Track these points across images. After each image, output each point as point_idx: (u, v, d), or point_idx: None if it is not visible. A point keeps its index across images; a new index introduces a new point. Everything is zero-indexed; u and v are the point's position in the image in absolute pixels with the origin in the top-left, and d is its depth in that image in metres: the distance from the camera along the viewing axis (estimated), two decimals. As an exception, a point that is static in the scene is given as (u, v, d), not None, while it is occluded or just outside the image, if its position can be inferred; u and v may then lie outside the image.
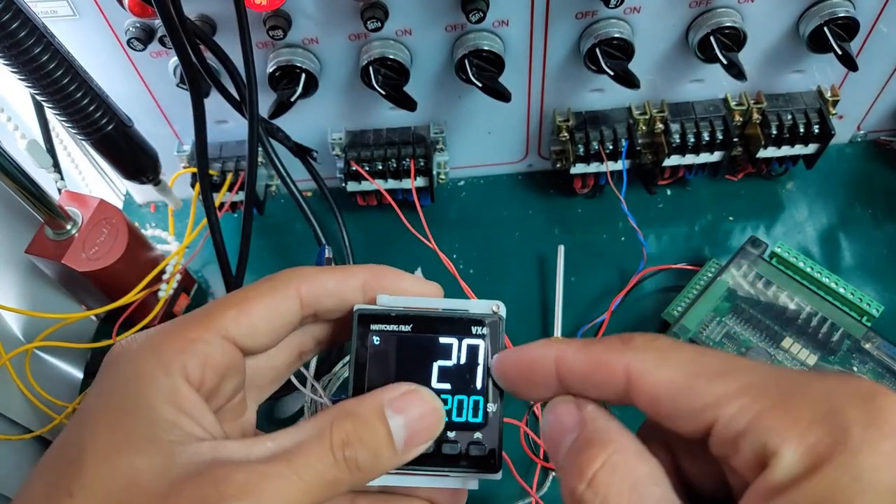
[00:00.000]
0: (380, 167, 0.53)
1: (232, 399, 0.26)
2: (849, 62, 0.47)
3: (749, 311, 0.48)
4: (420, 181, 0.54)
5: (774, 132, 0.52)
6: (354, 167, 0.53)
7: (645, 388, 0.22)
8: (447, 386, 0.26)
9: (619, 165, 0.54)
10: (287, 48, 0.48)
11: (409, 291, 0.28)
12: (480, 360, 0.26)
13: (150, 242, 0.52)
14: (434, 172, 0.55)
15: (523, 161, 0.60)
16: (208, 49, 0.44)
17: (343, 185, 0.54)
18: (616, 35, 0.47)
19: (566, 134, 0.54)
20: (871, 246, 0.54)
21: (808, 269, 0.49)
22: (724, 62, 0.47)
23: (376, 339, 0.26)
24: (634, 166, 0.54)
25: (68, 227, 0.47)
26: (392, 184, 0.54)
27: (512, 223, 0.58)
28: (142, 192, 0.61)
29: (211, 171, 0.53)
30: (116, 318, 0.49)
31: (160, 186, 0.50)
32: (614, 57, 0.48)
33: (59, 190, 0.51)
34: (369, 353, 0.26)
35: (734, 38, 0.47)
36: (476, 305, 0.27)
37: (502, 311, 0.27)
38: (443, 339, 0.26)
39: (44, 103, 0.41)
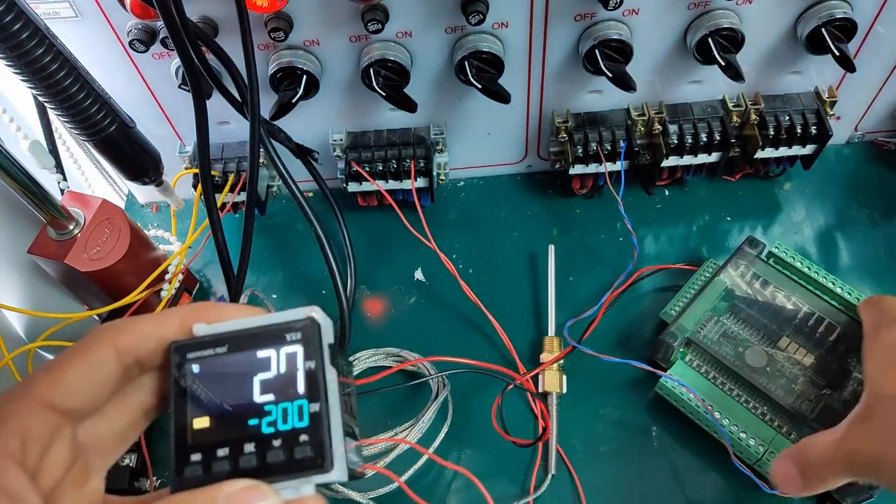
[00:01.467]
0: (380, 168, 0.53)
1: (70, 469, 0.25)
2: (846, 63, 0.47)
3: (746, 310, 0.48)
4: (420, 182, 0.54)
5: (772, 133, 0.53)
6: (355, 168, 0.53)
7: None
8: (270, 397, 0.26)
9: (618, 166, 0.54)
10: (288, 50, 0.48)
11: (230, 318, 0.27)
12: (299, 365, 0.26)
13: (152, 242, 0.52)
14: (434, 173, 0.55)
15: (522, 162, 0.60)
16: (210, 50, 0.44)
17: (344, 185, 0.54)
18: (615, 37, 0.47)
19: (565, 135, 0.54)
20: (868, 246, 0.55)
21: (806, 269, 0.49)
22: (722, 64, 0.47)
23: (195, 368, 0.26)
24: (633, 167, 0.54)
25: (71, 227, 0.47)
26: (392, 184, 0.54)
27: (511, 223, 0.58)
28: (144, 193, 0.62)
29: (213, 172, 0.53)
30: (119, 317, 0.50)
31: (162, 187, 0.50)
32: (613, 59, 0.48)
33: (62, 190, 0.51)
34: (189, 383, 0.26)
35: (732, 40, 0.48)
36: (290, 314, 0.27)
37: (318, 315, 0.27)
38: (260, 353, 0.26)
39: (46, 104, 0.41)
